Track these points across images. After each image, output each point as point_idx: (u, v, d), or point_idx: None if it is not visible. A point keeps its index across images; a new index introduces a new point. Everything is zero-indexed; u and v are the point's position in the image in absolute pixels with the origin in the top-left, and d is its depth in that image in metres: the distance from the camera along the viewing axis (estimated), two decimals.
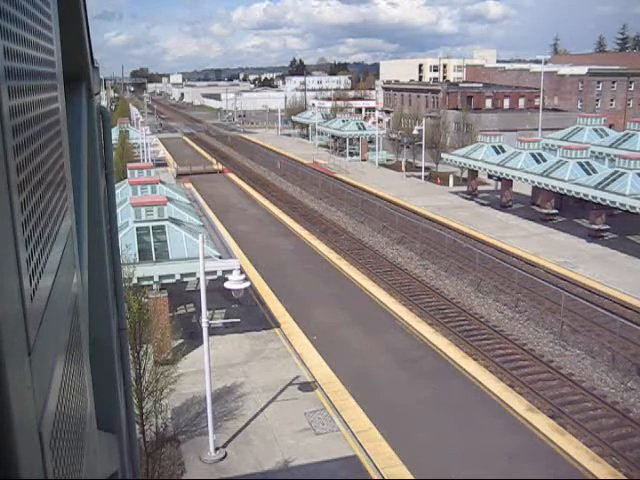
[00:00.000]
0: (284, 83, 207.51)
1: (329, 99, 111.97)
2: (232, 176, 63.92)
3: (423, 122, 61.78)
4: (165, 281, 21.71)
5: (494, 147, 49.19)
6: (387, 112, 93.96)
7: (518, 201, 46.41)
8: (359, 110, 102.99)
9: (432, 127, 61.86)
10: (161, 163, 63.63)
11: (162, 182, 32.72)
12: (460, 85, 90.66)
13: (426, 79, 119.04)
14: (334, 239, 38.81)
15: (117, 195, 20.84)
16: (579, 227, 38.85)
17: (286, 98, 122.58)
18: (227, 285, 15.74)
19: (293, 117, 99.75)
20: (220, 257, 21.97)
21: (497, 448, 16.53)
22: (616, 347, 22.46)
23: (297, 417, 18.16)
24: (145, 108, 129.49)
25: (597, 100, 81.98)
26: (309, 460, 16.09)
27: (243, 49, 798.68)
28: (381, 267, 33.34)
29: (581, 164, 40.39)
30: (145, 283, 20.65)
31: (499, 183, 47.92)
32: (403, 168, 62.13)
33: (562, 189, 38.74)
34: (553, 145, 49.65)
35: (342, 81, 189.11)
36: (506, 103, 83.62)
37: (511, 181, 45.34)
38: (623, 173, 35.95)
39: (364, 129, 73.24)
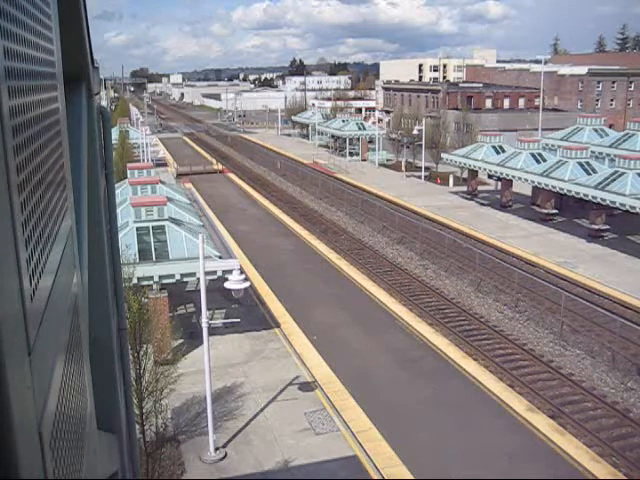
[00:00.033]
0: (284, 83, 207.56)
1: (329, 99, 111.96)
2: (232, 176, 63.90)
3: (423, 122, 61.78)
4: (165, 281, 21.72)
5: (494, 147, 49.18)
6: (387, 112, 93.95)
7: (518, 201, 46.40)
8: (359, 110, 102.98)
9: (432, 127, 61.86)
10: (161, 163, 63.61)
11: (162, 182, 32.73)
12: (460, 85, 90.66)
13: (426, 79, 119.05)
14: (334, 239, 38.80)
15: (117, 195, 20.84)
16: (579, 227, 38.85)
17: (286, 98, 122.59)
18: (227, 285, 15.74)
19: (293, 117, 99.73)
20: (220, 257, 21.97)
21: (497, 448, 16.52)
22: (616, 347, 22.46)
23: (297, 417, 18.16)
24: (145, 108, 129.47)
25: (597, 100, 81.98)
26: (309, 460, 16.09)
27: (243, 49, 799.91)
28: (381, 267, 33.33)
29: (581, 164, 40.39)
30: (145, 283, 20.66)
31: (499, 183, 47.92)
32: (403, 168, 62.12)
33: (562, 189, 38.75)
34: (553, 145, 49.63)
35: (342, 81, 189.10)
36: (506, 103, 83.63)
37: (511, 181, 45.33)
38: (623, 173, 35.95)
39: (364, 129, 73.23)
